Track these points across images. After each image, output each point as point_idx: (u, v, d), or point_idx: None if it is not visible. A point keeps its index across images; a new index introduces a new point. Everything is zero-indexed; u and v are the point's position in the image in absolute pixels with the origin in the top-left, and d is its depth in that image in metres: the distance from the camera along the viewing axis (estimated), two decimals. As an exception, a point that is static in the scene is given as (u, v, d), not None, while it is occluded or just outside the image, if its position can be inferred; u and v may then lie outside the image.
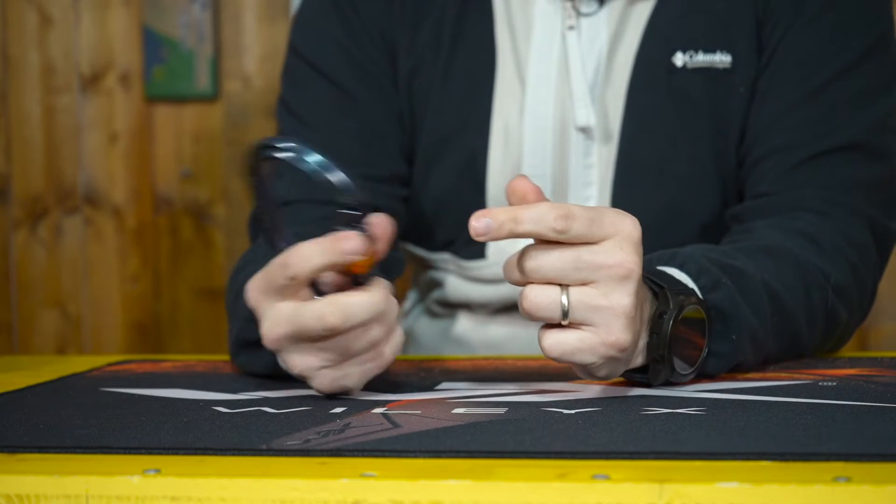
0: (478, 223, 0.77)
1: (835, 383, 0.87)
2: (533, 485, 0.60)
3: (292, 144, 0.80)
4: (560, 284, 0.78)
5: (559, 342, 0.79)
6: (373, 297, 0.81)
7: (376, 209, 0.82)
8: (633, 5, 1.15)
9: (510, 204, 0.79)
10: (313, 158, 0.79)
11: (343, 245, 0.80)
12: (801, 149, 1.10)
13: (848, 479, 0.58)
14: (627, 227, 0.78)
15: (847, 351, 1.11)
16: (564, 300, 0.78)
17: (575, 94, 1.15)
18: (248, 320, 0.98)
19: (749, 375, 0.92)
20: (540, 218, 0.76)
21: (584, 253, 0.77)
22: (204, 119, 2.36)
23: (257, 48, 2.34)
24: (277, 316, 0.82)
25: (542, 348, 0.80)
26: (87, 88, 2.38)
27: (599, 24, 1.15)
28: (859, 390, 0.84)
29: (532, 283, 0.79)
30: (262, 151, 0.81)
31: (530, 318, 0.79)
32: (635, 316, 0.79)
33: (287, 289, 0.82)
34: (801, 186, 1.09)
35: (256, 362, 0.97)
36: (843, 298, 1.03)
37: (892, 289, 2.18)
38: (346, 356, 0.83)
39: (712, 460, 0.63)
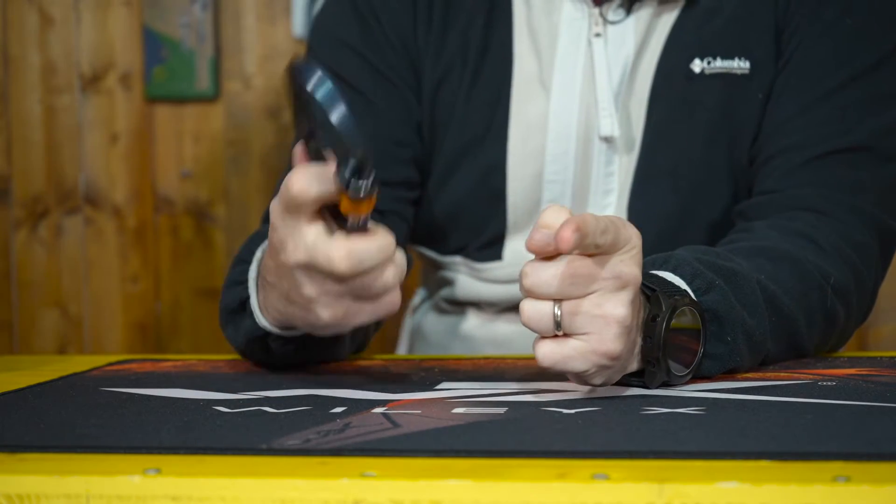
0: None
1: (834, 383, 0.87)
2: (533, 485, 0.60)
3: (315, 80, 0.79)
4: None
5: (552, 351, 0.80)
6: (382, 242, 0.82)
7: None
8: (659, 15, 1.15)
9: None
10: (332, 105, 0.79)
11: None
12: (808, 148, 1.10)
13: (847, 479, 0.58)
14: (634, 239, 0.80)
15: (847, 351, 1.11)
16: (557, 311, 0.79)
17: (600, 104, 1.14)
18: (231, 286, 1.00)
19: (749, 375, 0.92)
20: (593, 231, 0.77)
21: (580, 267, 0.78)
22: (204, 119, 2.36)
23: (257, 48, 2.34)
24: (297, 241, 0.83)
25: (536, 358, 0.81)
26: (88, 88, 2.38)
27: (626, 33, 1.15)
28: (859, 390, 0.84)
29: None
30: (290, 75, 0.81)
31: (530, 329, 0.81)
32: (630, 325, 0.79)
33: (296, 210, 0.82)
34: (804, 185, 1.09)
35: (238, 331, 1.00)
36: (842, 298, 1.03)
37: (892, 289, 2.17)
38: (358, 297, 0.84)
39: (712, 460, 0.64)
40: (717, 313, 0.89)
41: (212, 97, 2.34)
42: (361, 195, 0.79)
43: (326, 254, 0.81)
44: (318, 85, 0.79)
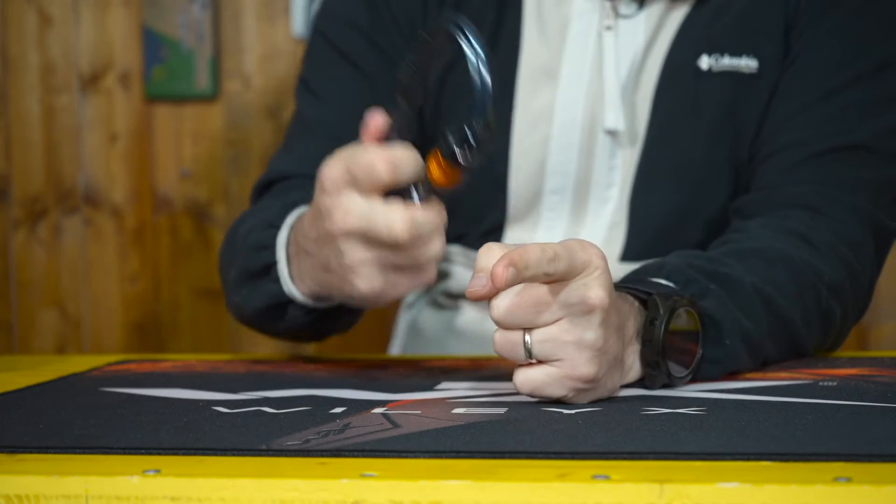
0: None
1: (835, 383, 0.87)
2: (533, 485, 0.60)
3: (476, 49, 0.79)
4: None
5: (529, 379, 0.81)
6: (438, 215, 0.83)
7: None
8: (669, 10, 1.15)
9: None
10: (482, 78, 0.79)
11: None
12: (808, 145, 1.10)
13: (848, 480, 0.58)
14: (594, 261, 0.79)
15: (847, 351, 1.11)
16: (527, 339, 0.79)
17: (606, 97, 1.15)
18: (255, 249, 0.99)
19: (749, 376, 0.92)
20: (538, 263, 0.77)
21: (541, 294, 0.78)
22: (204, 119, 2.36)
23: (257, 48, 2.34)
24: (348, 209, 0.83)
25: (515, 387, 0.81)
26: (87, 88, 2.38)
27: (637, 27, 1.15)
28: (859, 390, 0.84)
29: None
30: (447, 27, 0.80)
31: (504, 358, 0.81)
32: (602, 348, 0.79)
33: (366, 188, 0.82)
34: (802, 182, 1.09)
35: (255, 295, 0.99)
36: (837, 297, 1.03)
37: (892, 289, 2.17)
38: (400, 268, 0.84)
39: (712, 460, 0.63)
40: (714, 318, 0.89)
41: (211, 97, 2.34)
42: (463, 163, 0.79)
43: (387, 221, 0.82)
44: (474, 42, 0.79)
